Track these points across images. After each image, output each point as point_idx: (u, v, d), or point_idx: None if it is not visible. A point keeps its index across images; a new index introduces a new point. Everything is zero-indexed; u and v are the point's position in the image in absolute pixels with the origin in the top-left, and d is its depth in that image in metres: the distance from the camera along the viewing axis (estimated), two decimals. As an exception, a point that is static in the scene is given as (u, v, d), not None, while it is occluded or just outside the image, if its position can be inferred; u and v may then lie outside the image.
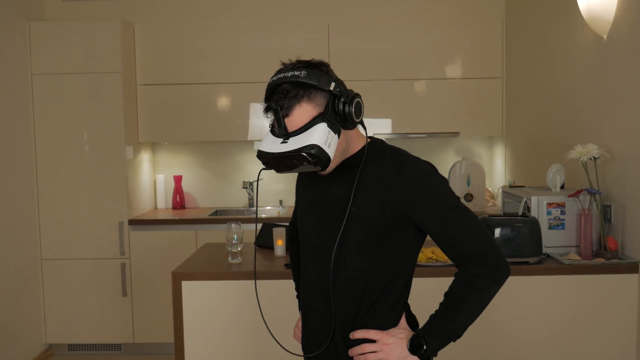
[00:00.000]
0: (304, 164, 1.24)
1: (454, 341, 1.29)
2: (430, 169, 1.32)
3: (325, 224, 1.37)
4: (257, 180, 1.42)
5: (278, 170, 1.31)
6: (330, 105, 1.26)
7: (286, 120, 1.25)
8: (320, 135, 1.23)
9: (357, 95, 1.31)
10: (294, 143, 1.23)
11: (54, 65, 3.74)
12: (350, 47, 3.97)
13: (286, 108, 1.24)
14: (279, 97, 1.24)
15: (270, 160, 1.28)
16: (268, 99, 1.27)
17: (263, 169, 1.34)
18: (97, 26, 3.75)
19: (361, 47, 3.96)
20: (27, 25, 3.73)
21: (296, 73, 1.24)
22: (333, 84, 1.26)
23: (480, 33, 4.00)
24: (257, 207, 1.44)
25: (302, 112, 1.25)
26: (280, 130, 1.26)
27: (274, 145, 1.27)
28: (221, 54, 4.02)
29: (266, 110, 1.28)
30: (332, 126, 1.25)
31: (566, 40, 2.97)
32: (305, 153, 1.22)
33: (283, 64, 1.30)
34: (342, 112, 1.27)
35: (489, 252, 1.28)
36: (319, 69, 1.28)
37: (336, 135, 1.26)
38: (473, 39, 4.00)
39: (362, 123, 1.34)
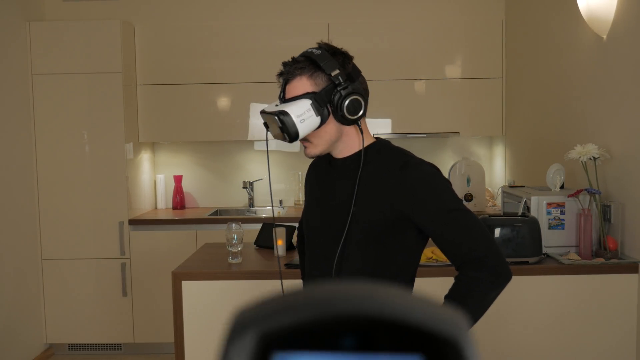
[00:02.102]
0: (277, 129, 1.30)
1: None
2: (433, 170, 1.32)
3: (328, 223, 1.37)
4: (267, 140, 1.45)
5: (273, 133, 1.37)
6: (327, 90, 1.30)
7: (287, 87, 1.32)
8: (298, 108, 1.28)
9: (359, 94, 1.31)
10: (279, 107, 1.30)
11: (54, 65, 3.74)
12: (350, 47, 3.93)
13: (289, 73, 1.32)
14: (290, 63, 1.33)
15: (263, 118, 1.35)
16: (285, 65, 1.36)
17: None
18: (97, 26, 3.75)
19: (361, 47, 3.95)
20: (27, 25, 3.73)
21: (314, 50, 1.32)
22: (337, 71, 1.28)
23: (480, 33, 4.00)
24: (268, 162, 1.45)
25: (300, 84, 1.31)
26: (280, 94, 1.34)
27: (270, 107, 1.34)
28: (221, 54, 4.02)
29: (278, 74, 1.35)
30: (316, 107, 1.29)
31: (566, 40, 2.97)
32: (277, 117, 1.27)
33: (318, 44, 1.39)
34: (335, 102, 1.30)
35: (490, 255, 1.27)
36: (333, 55, 1.33)
37: (317, 118, 1.30)
38: (473, 39, 4.00)
39: (356, 122, 1.34)
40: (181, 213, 4.08)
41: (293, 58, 1.34)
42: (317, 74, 1.30)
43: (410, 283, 1.38)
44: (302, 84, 1.31)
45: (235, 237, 2.49)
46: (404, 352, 0.30)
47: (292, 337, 0.30)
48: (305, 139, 1.35)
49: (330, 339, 0.30)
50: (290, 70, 1.32)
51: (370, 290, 0.31)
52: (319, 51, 1.31)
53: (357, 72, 1.37)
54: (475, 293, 1.27)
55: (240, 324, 0.31)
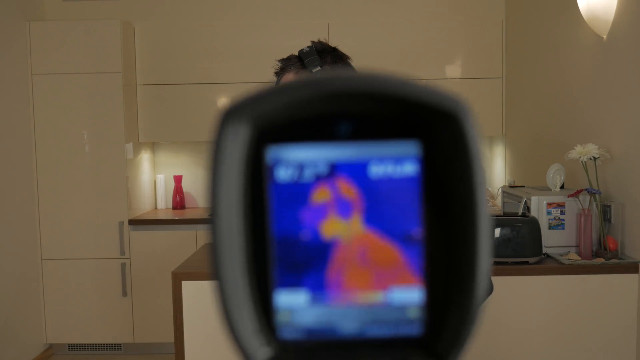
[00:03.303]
0: None
1: None
2: None
3: None
4: None
5: None
6: None
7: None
8: None
9: None
10: None
11: (54, 65, 3.74)
12: (350, 47, 3.96)
13: (279, 70, 1.37)
14: (282, 60, 1.37)
15: None
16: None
17: None
18: (97, 26, 3.75)
19: (361, 47, 3.95)
20: (27, 25, 3.73)
21: (305, 47, 1.34)
22: (318, 69, 1.30)
23: (480, 33, 4.00)
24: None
25: (288, 80, 1.33)
26: None
27: None
28: (221, 54, 4.02)
29: (274, 72, 1.40)
30: None
31: (566, 40, 2.97)
32: None
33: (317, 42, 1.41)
34: None
35: None
36: (320, 52, 1.34)
37: None
38: (473, 39, 4.00)
39: None
40: (181, 213, 4.08)
41: (289, 56, 1.38)
42: (301, 72, 1.33)
43: None
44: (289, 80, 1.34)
45: (235, 237, 2.48)
46: (400, 137, 0.29)
47: (286, 126, 0.29)
48: None
49: (325, 127, 0.29)
50: (281, 67, 1.36)
51: (366, 71, 0.28)
52: (308, 49, 1.33)
53: None
54: None
55: (233, 111, 0.28)
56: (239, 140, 0.29)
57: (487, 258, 0.27)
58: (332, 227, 0.29)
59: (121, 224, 3.78)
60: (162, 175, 4.31)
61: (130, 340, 3.85)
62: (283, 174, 0.29)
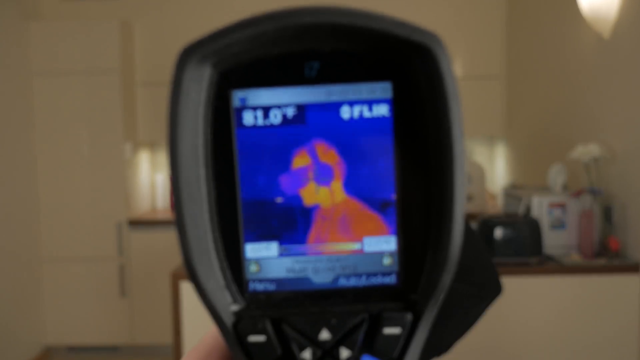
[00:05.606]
0: None
1: (438, 355, 1.21)
2: None
3: None
4: None
5: None
6: None
7: None
8: None
9: None
10: None
11: (54, 65, 3.73)
12: (351, 47, 3.96)
13: None
14: None
15: None
16: None
17: None
18: (96, 26, 3.74)
19: (361, 47, 3.94)
20: (26, 25, 3.72)
21: None
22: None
23: (480, 33, 3.99)
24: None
25: None
26: None
27: None
28: (221, 54, 4.01)
29: None
30: None
31: (567, 39, 2.96)
32: None
33: None
34: None
35: (477, 266, 1.19)
36: None
37: None
38: (473, 39, 3.99)
39: None
40: (180, 213, 4.07)
41: None
42: None
43: None
44: None
45: (235, 237, 2.47)
46: (373, 79, 0.28)
47: (252, 68, 0.27)
48: None
49: (293, 69, 0.27)
50: None
51: (334, 4, 0.27)
52: None
53: None
54: (455, 307, 1.14)
55: (192, 49, 0.26)
56: (200, 82, 0.26)
57: (462, 202, 0.26)
58: (312, 193, 0.27)
59: (120, 224, 3.77)
60: (161, 175, 4.30)
61: (129, 342, 3.83)
62: (249, 119, 0.27)
